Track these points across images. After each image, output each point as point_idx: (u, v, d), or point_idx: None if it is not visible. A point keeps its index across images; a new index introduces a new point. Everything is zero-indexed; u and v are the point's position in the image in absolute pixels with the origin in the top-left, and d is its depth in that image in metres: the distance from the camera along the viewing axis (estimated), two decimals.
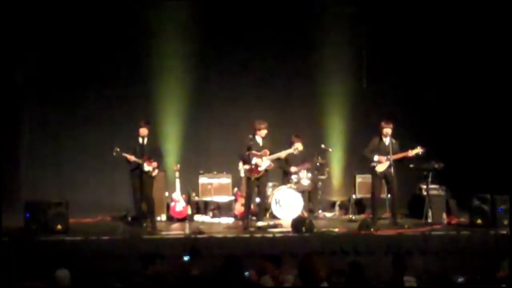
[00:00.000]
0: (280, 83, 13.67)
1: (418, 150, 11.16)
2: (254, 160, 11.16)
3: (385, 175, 11.20)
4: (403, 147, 11.27)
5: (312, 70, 13.66)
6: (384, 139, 11.14)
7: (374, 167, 11.17)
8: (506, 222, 11.01)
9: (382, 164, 11.13)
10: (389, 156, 11.06)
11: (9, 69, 12.88)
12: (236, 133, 12.23)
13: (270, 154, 11.23)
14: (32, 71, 13.15)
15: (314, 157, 12.45)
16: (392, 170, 11.09)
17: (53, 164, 13.35)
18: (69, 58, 13.09)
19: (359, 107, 13.63)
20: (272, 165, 11.38)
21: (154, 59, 13.27)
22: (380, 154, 11.11)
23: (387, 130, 11.10)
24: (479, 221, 11.18)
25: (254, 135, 11.27)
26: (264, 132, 11.26)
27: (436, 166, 11.63)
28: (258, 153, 11.20)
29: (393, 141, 11.16)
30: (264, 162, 11.21)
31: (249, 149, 11.18)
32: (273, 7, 13.33)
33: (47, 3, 12.79)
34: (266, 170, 11.32)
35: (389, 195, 11.55)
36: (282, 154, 11.47)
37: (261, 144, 11.27)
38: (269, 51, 13.52)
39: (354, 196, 12.78)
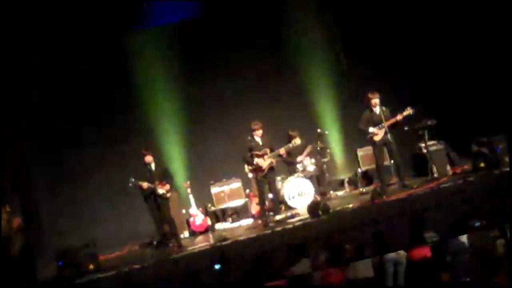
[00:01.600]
0: (267, 82, 13.96)
1: (408, 111, 11.37)
2: (256, 160, 11.52)
3: (384, 143, 11.46)
4: (394, 113, 11.47)
5: (294, 62, 13.96)
6: (374, 109, 11.45)
7: (371, 137, 11.48)
8: (506, 159, 11.13)
9: (377, 135, 11.41)
10: (382, 124, 11.32)
11: (10, 71, 12.82)
12: (235, 139, 12.53)
13: (270, 152, 11.58)
14: (33, 71, 13.21)
15: (313, 142, 12.74)
16: (389, 136, 11.34)
17: (71, 206, 13.53)
18: (70, 99, 13.36)
19: (344, 87, 13.91)
20: (274, 161, 11.69)
21: (148, 83, 13.64)
22: (374, 124, 11.41)
23: (375, 100, 11.40)
24: (481, 164, 11.35)
25: (252, 136, 11.63)
26: (260, 132, 11.61)
27: (429, 122, 11.79)
28: (259, 153, 11.55)
29: (383, 108, 11.43)
30: (266, 161, 11.55)
31: (251, 150, 11.56)
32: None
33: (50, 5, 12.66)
34: (271, 167, 11.66)
35: (392, 161, 11.85)
36: (282, 150, 11.74)
37: (261, 143, 11.61)
38: (251, 55, 13.79)
39: (359, 170, 13.11)
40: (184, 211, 12.60)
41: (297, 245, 9.69)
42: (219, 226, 12.67)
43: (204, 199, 12.87)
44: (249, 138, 11.62)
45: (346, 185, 13.30)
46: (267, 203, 11.91)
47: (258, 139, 11.63)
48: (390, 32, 13.81)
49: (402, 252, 10.34)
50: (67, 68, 13.26)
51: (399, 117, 11.38)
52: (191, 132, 13.76)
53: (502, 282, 8.93)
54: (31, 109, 13.28)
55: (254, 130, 11.60)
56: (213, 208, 12.89)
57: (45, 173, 13.60)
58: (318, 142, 12.76)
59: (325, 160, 12.90)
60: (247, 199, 12.76)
